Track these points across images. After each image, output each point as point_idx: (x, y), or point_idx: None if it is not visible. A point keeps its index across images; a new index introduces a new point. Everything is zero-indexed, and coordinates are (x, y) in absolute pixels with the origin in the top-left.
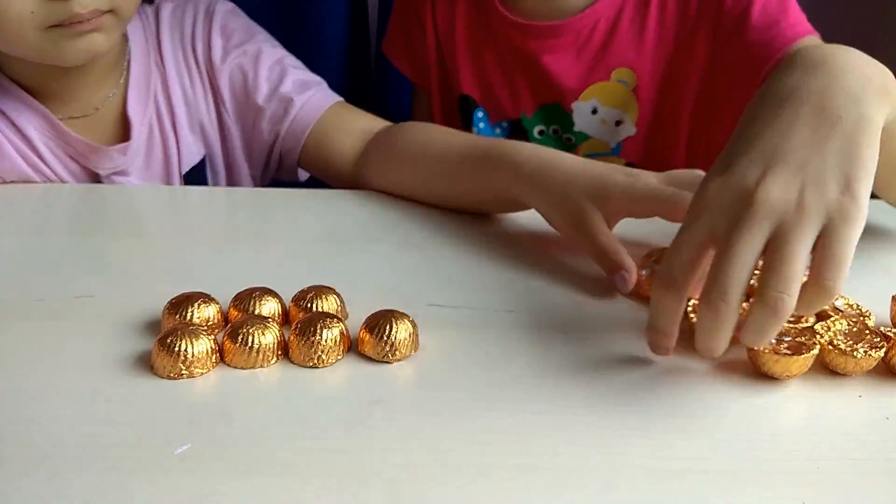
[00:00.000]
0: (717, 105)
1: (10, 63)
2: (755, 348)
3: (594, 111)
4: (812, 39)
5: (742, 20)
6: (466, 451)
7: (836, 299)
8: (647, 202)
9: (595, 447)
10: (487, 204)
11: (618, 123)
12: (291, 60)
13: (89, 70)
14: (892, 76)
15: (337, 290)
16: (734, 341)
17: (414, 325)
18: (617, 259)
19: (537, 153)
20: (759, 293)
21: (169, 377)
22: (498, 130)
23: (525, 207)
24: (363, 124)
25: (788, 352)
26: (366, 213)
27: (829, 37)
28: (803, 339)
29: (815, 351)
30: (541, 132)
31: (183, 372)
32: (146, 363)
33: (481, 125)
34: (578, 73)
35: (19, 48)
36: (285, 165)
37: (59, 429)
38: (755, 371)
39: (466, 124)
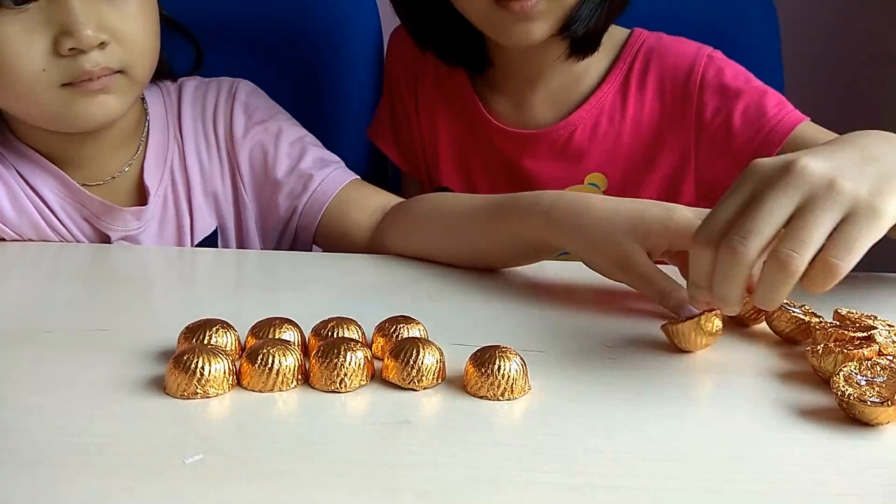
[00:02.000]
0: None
1: (27, 131)
2: (822, 373)
3: None
4: (805, 126)
5: (725, 128)
6: (502, 467)
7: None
8: (686, 235)
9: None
10: (512, 254)
11: None
12: (311, 139)
13: (104, 138)
14: None
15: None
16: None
17: (441, 353)
18: (670, 290)
19: (562, 198)
20: (774, 252)
21: (182, 396)
22: None
23: (549, 255)
24: (379, 201)
25: (877, 400)
26: (381, 271)
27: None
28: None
29: None
30: None
31: (197, 391)
32: (159, 385)
33: None
34: (556, 176)
35: (33, 109)
36: (300, 241)
37: (61, 439)
38: (847, 417)
39: None
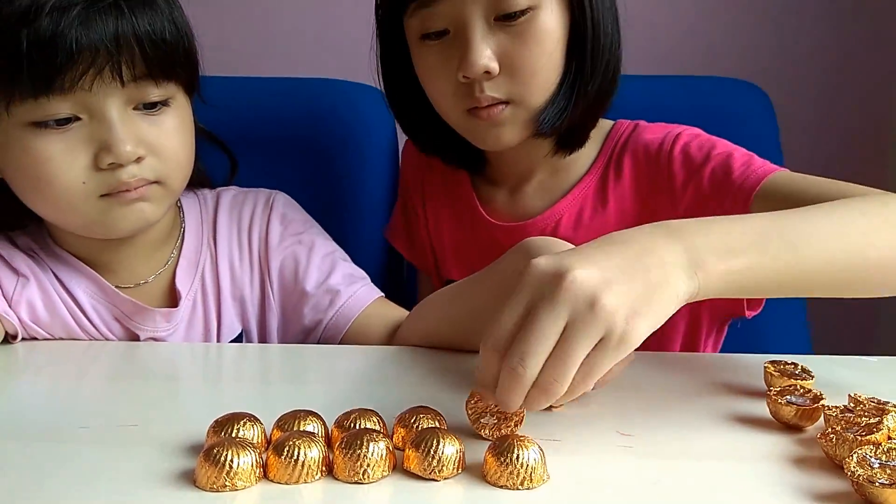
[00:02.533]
0: None
1: (64, 236)
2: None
3: None
4: (776, 177)
5: (697, 196)
6: None
7: None
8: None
9: None
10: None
11: None
12: (341, 254)
13: (139, 244)
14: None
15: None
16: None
17: (460, 443)
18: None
19: (540, 238)
20: (539, 376)
21: (212, 489)
22: None
23: None
24: (400, 315)
25: (886, 482)
26: (401, 363)
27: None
28: None
29: None
30: None
31: (226, 483)
32: (189, 479)
33: None
34: None
35: (71, 218)
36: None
37: None
38: (863, 500)
39: None
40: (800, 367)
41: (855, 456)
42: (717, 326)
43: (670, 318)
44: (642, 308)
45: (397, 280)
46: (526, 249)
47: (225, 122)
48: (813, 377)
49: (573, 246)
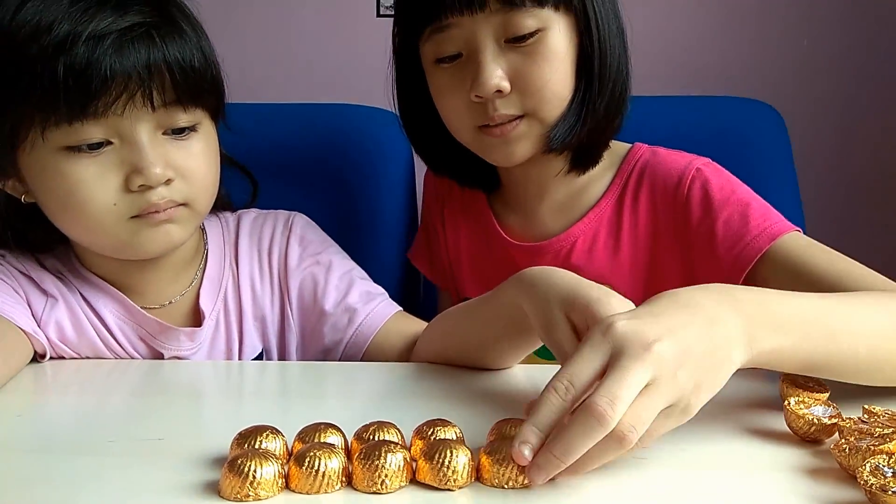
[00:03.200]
0: None
1: (92, 259)
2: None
3: None
4: (784, 240)
5: (709, 238)
6: None
7: None
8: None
9: None
10: (503, 331)
11: None
12: (359, 272)
13: (164, 265)
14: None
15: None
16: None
17: (472, 452)
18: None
19: (535, 268)
20: (616, 428)
21: (236, 499)
22: None
23: (531, 338)
24: (419, 329)
25: None
26: (418, 378)
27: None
28: None
29: None
30: None
31: (249, 493)
32: (213, 490)
33: None
34: None
35: (100, 239)
36: None
37: None
38: None
39: None
40: (814, 380)
41: (868, 465)
42: None
43: None
44: (707, 383)
45: (415, 300)
46: (527, 281)
47: (246, 147)
48: (828, 391)
49: (543, 270)
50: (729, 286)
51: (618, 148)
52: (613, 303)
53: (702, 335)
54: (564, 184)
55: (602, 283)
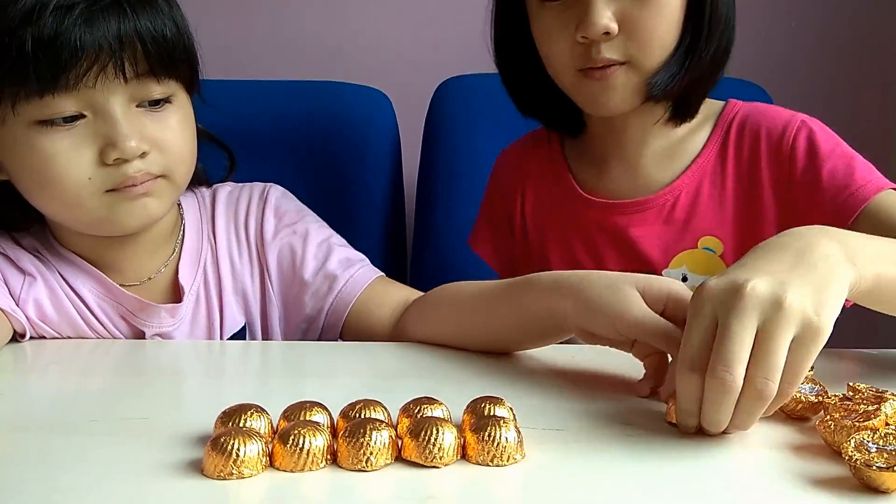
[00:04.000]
0: None
1: (69, 237)
2: (853, 463)
3: (684, 279)
4: (888, 195)
5: (814, 187)
6: None
7: None
8: (684, 298)
9: None
10: (523, 331)
11: None
12: (337, 239)
13: (142, 242)
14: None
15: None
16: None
17: (458, 430)
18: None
19: (573, 272)
20: (748, 382)
21: (219, 477)
22: None
23: (557, 335)
24: (402, 295)
25: (883, 465)
26: (404, 357)
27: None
28: None
29: None
30: None
31: (233, 471)
32: (196, 468)
33: None
34: (665, 242)
35: (78, 214)
36: (326, 337)
37: None
38: (860, 485)
39: None
40: None
41: (853, 441)
42: None
43: None
44: (824, 297)
45: (401, 272)
46: (566, 285)
47: (230, 125)
48: (812, 369)
49: (577, 272)
50: (821, 226)
51: (711, 104)
52: (683, 286)
53: (795, 262)
54: (664, 134)
55: (710, 237)
